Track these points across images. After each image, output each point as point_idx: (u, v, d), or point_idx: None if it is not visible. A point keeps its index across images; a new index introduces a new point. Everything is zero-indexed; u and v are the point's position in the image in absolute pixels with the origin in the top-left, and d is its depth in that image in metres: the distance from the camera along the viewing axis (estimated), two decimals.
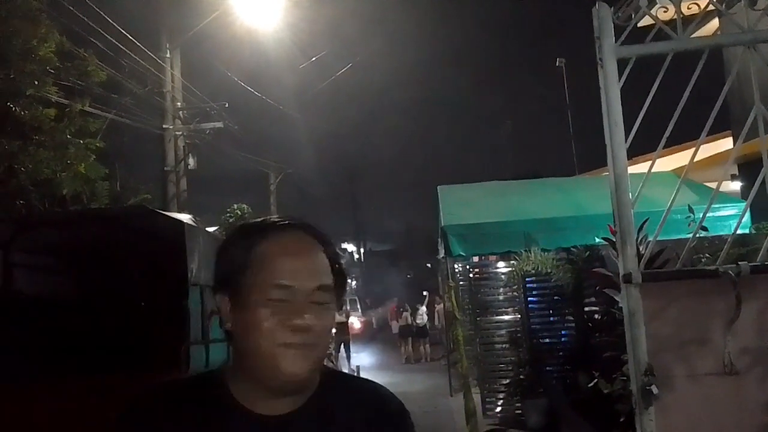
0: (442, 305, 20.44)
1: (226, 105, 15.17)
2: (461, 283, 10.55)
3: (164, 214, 5.68)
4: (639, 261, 2.30)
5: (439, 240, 12.26)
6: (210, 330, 6.30)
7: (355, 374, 14.91)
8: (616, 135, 2.25)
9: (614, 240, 5.62)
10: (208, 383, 1.16)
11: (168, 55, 13.99)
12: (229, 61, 14.64)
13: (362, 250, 49.44)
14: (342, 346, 16.85)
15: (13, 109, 6.73)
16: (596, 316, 6.97)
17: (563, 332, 7.90)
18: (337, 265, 1.14)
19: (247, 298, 1.08)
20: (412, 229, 43.96)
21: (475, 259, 11.31)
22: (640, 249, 5.08)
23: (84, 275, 6.27)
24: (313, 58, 14.78)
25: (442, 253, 11.59)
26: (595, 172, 10.31)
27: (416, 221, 42.81)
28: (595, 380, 4.73)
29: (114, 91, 10.86)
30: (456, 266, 10.48)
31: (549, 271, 7.28)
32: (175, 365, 5.50)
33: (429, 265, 46.97)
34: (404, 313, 18.54)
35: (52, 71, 7.90)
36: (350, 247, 48.31)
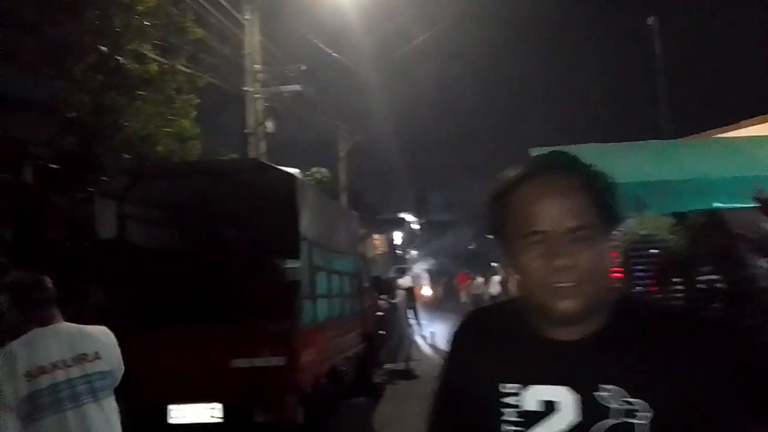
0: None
1: (303, 68, 15.07)
2: None
3: (277, 168, 5.63)
4: None
5: None
6: (317, 285, 6.27)
7: (428, 341, 14.55)
8: None
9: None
10: (509, 311, 1.25)
11: (248, 17, 13.97)
12: (309, 23, 14.45)
13: (421, 220, 49.20)
14: (412, 311, 16.78)
15: (123, 63, 6.77)
16: (716, 285, 6.58)
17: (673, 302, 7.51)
18: (602, 201, 1.14)
19: (512, 244, 1.16)
20: (474, 200, 43.39)
21: None
22: None
23: (197, 228, 6.32)
24: (390, 23, 14.38)
25: None
26: (698, 136, 9.69)
27: (479, 192, 42.14)
28: None
29: (199, 52, 10.89)
30: None
31: (666, 236, 6.90)
32: (287, 318, 5.50)
33: (491, 236, 46.24)
34: (476, 280, 18.34)
35: (150, 26, 7.91)
36: (409, 217, 48.09)
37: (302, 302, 5.61)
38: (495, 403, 1.18)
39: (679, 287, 7.43)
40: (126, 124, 7.30)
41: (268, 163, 5.63)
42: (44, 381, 2.51)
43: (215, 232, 6.27)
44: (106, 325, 5.32)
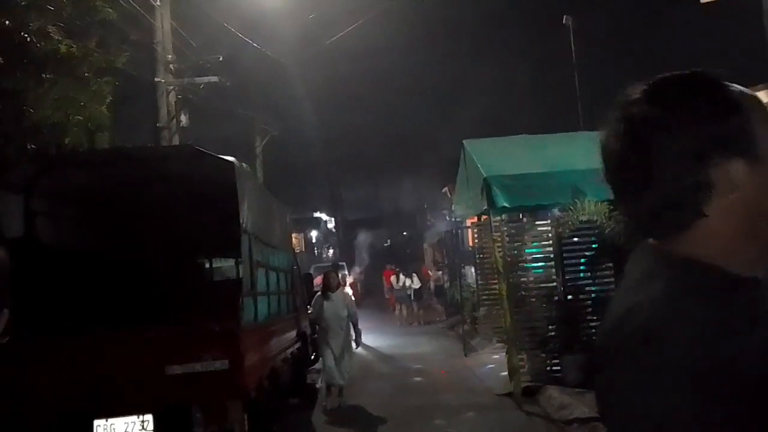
0: (438, 271, 20.56)
1: (220, 59, 14.36)
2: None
3: (215, 155, 5.16)
4: None
5: (454, 200, 11.83)
6: (258, 282, 5.85)
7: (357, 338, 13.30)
8: None
9: None
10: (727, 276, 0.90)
11: (159, 3, 13.12)
12: (227, 11, 13.78)
13: (337, 219, 49.04)
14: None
15: (29, 39, 5.99)
16: None
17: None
18: None
19: None
20: (389, 197, 43.66)
21: (473, 219, 10.97)
22: None
23: (124, 223, 5.70)
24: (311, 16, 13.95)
25: (458, 213, 11.25)
26: None
27: (393, 191, 42.43)
28: None
29: (108, 36, 10.03)
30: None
31: (604, 222, 7.04)
32: (229, 318, 5.08)
33: (405, 233, 46.86)
34: (401, 277, 18.47)
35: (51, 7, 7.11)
36: (324, 216, 47.82)
37: (244, 300, 5.20)
38: None
39: (611, 272, 7.64)
40: (31, 111, 6.52)
41: (203, 149, 5.14)
42: None
43: (145, 226, 5.69)
44: (21, 333, 4.68)
